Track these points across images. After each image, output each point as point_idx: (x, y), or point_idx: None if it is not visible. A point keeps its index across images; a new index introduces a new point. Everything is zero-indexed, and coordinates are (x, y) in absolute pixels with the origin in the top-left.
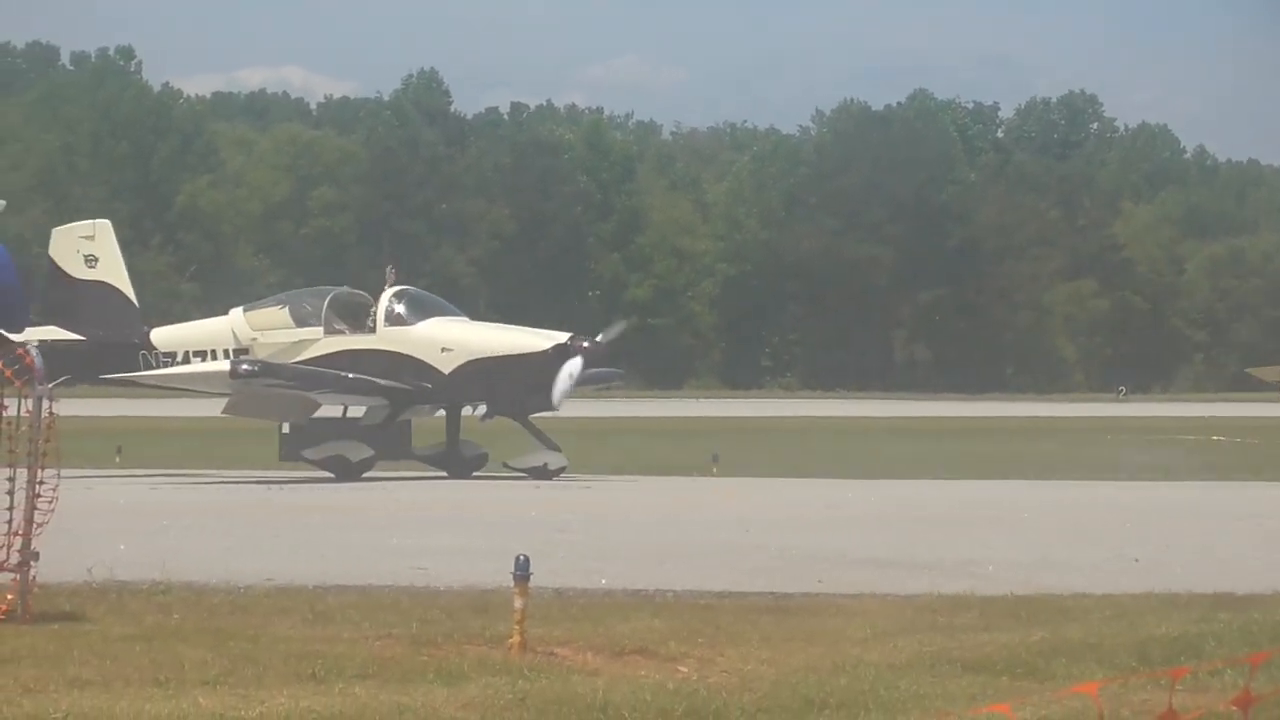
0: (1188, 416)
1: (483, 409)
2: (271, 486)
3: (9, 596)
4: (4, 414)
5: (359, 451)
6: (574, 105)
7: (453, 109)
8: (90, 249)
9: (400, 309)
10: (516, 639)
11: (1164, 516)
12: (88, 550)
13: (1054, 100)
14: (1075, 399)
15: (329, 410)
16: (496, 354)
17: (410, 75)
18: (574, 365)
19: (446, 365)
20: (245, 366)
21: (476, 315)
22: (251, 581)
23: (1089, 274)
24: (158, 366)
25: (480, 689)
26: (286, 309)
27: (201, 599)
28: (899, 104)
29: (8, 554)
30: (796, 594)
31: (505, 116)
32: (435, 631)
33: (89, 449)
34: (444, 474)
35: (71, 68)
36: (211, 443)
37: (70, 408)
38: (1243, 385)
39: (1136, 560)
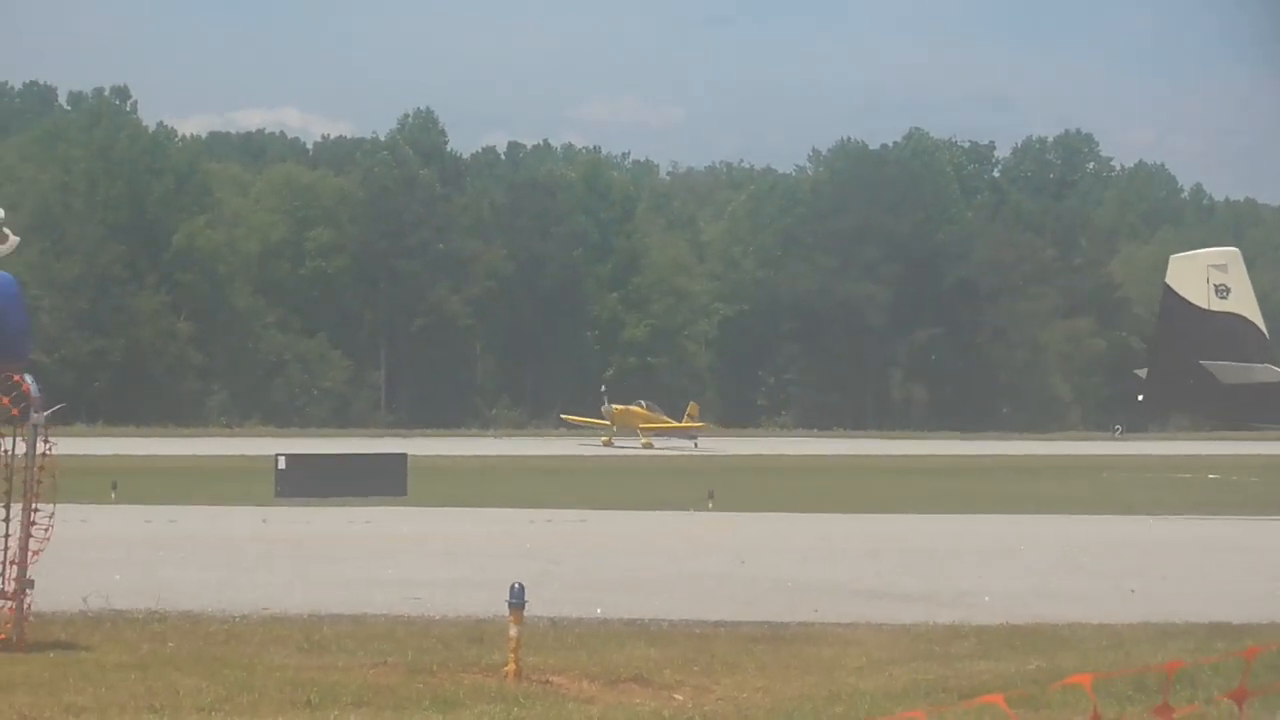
0: (1183, 454)
1: None
2: (266, 520)
3: (5, 625)
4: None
5: None
6: (570, 145)
7: (449, 148)
8: (1221, 279)
9: None
10: (512, 667)
11: (1160, 549)
12: (84, 580)
13: (1050, 139)
14: (1071, 437)
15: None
16: None
17: (406, 115)
18: None
19: None
20: None
21: (473, 356)
22: (246, 611)
23: (1085, 313)
24: None
25: (475, 716)
26: None
27: (197, 627)
28: (895, 143)
29: (4, 582)
30: (792, 624)
31: (502, 156)
32: (430, 660)
33: (84, 486)
34: None
35: (68, 108)
36: (204, 480)
37: (65, 447)
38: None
39: (1133, 591)
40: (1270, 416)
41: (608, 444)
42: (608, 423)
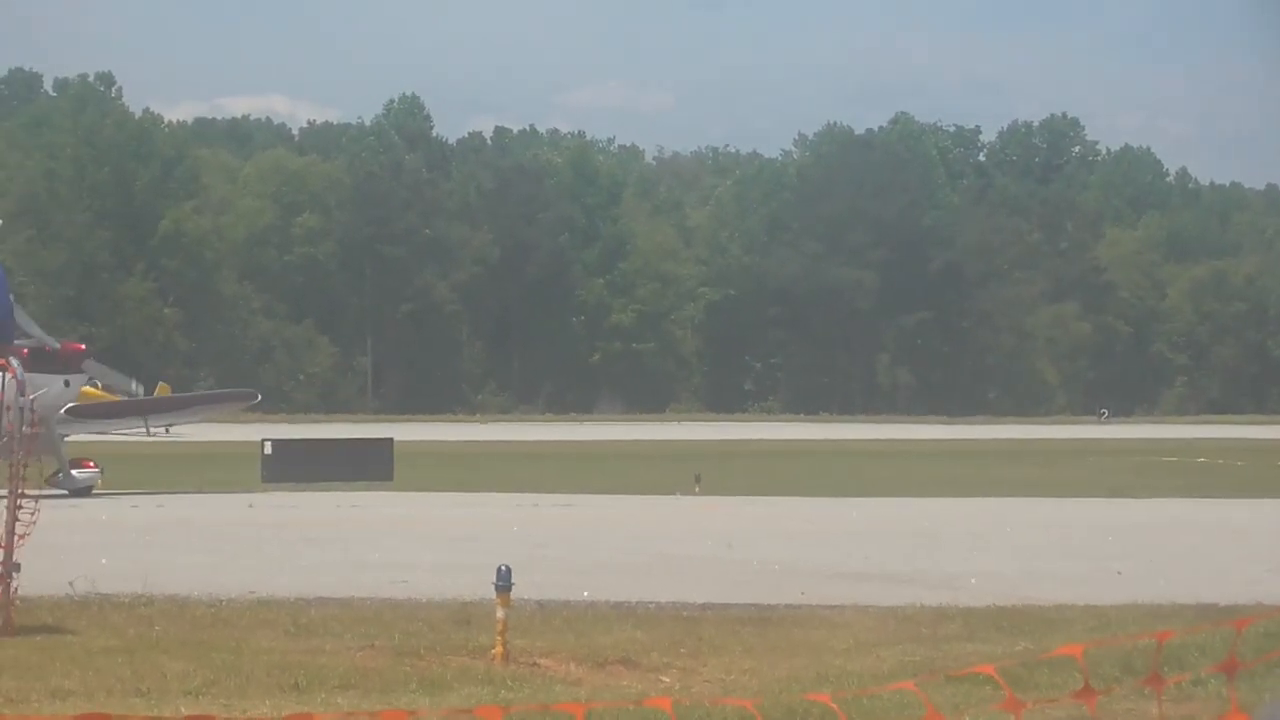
0: (1170, 438)
1: None
2: (253, 505)
3: None
4: None
5: None
6: (556, 130)
7: (435, 134)
8: None
9: None
10: (499, 649)
11: (1147, 532)
12: (70, 564)
13: (1036, 124)
14: (1057, 422)
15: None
16: None
17: (392, 101)
18: None
19: None
20: None
21: (459, 342)
22: (234, 594)
23: (1071, 297)
24: None
25: (463, 699)
26: None
27: (184, 611)
28: (881, 128)
29: None
30: (779, 606)
31: (488, 141)
32: (417, 643)
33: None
34: None
35: (54, 94)
36: (191, 466)
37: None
38: (1224, 408)
39: (1120, 573)
40: None
41: None
42: None
